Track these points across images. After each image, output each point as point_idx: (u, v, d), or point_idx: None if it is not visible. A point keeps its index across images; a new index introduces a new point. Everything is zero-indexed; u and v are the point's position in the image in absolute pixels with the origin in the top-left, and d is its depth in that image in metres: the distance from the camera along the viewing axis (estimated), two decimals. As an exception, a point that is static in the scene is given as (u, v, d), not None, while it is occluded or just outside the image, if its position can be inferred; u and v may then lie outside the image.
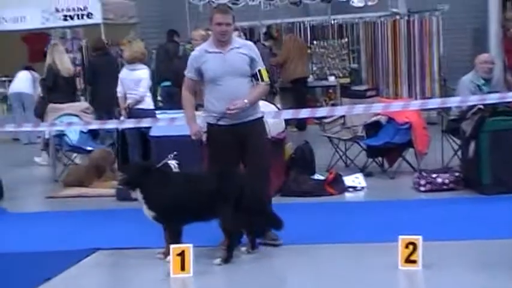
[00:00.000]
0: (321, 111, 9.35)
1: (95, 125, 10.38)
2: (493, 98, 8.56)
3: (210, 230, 6.27)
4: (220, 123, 6.39)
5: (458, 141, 9.39)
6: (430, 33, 14.52)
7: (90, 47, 14.24)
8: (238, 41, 6.61)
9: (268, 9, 15.99)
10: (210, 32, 11.03)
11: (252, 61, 6.46)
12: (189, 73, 6.55)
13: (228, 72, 6.37)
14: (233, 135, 6.37)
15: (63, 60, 11.81)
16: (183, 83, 6.64)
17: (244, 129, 6.40)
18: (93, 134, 11.11)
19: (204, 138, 6.56)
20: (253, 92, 6.45)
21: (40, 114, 11.85)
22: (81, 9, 15.13)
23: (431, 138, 9.74)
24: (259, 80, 6.48)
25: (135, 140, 9.89)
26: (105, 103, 11.27)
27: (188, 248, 5.89)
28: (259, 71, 6.48)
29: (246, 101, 6.33)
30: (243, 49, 6.46)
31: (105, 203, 9.01)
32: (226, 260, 6.11)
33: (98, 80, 11.90)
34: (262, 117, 6.65)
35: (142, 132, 9.73)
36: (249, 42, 6.79)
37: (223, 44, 6.41)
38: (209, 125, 6.52)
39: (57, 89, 11.66)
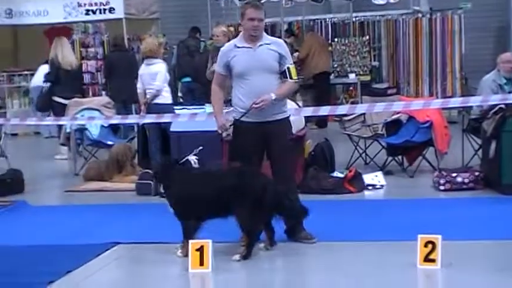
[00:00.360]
0: (341, 109, 9.32)
1: (116, 120, 10.43)
2: (515, 98, 8.53)
3: (229, 225, 6.27)
4: (245, 119, 6.41)
5: (479, 141, 9.34)
6: (452, 32, 14.46)
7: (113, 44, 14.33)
8: (268, 37, 6.61)
9: (289, 6, 15.98)
10: (231, 29, 11.16)
11: (281, 58, 6.46)
12: (218, 68, 6.60)
13: (256, 67, 6.38)
14: (258, 132, 6.38)
15: (65, 54, 11.89)
16: (214, 78, 6.69)
17: (269, 128, 6.40)
18: (114, 128, 11.19)
19: (230, 132, 6.52)
20: (281, 88, 6.44)
21: (40, 108, 11.97)
22: (103, 4, 15.22)
23: (452, 138, 9.70)
24: (288, 77, 6.48)
25: (155, 135, 9.94)
26: (121, 98, 11.40)
27: (207, 243, 5.91)
28: (288, 68, 6.47)
29: (273, 96, 6.34)
30: (272, 45, 6.46)
31: (125, 197, 9.06)
32: (245, 256, 6.12)
33: (114, 75, 12.05)
34: (288, 116, 6.65)
35: (162, 128, 9.77)
36: (279, 39, 6.79)
37: (253, 39, 6.42)
38: (235, 120, 6.55)
39: (59, 82, 11.77)
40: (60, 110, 11.44)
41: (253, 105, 6.31)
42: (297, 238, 6.58)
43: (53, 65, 11.83)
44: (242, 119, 6.44)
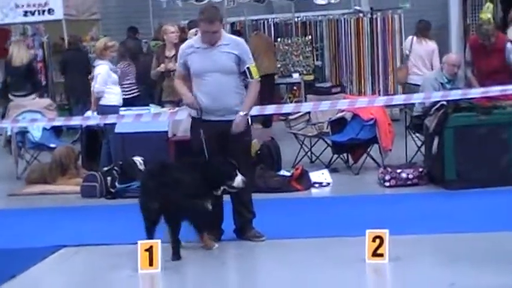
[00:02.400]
0: (287, 108, 9.38)
1: (59, 122, 10.26)
2: (456, 95, 8.69)
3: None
4: (204, 117, 6.40)
5: (422, 138, 9.49)
6: (392, 31, 14.65)
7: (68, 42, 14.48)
8: (227, 37, 6.61)
9: (232, 7, 15.97)
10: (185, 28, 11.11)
11: (240, 59, 6.45)
12: (178, 66, 6.69)
13: (212, 68, 6.39)
14: (217, 131, 6.37)
15: (16, 53, 11.92)
16: (176, 75, 6.78)
17: (229, 127, 6.38)
18: (57, 131, 11.02)
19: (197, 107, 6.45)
20: (247, 99, 6.51)
21: None
22: (41, 5, 14.94)
23: (395, 135, 9.83)
24: (249, 77, 6.50)
25: (106, 137, 9.82)
26: (75, 95, 11.46)
27: (156, 243, 5.88)
28: (248, 68, 6.48)
29: (242, 114, 6.39)
30: (230, 46, 6.46)
31: (69, 200, 8.94)
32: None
33: (69, 74, 12.21)
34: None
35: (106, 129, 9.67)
36: (239, 39, 6.77)
37: (210, 43, 6.46)
38: (193, 118, 6.54)
39: (11, 80, 11.73)
40: None
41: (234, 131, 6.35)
42: (247, 236, 6.58)
43: (5, 64, 12.06)
44: (202, 117, 6.41)
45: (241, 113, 6.41)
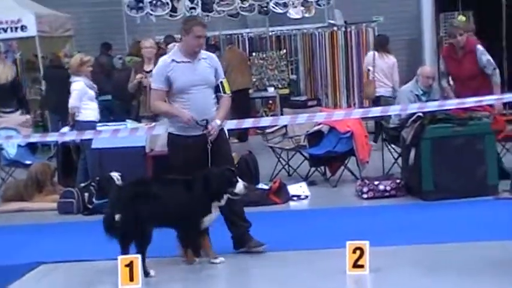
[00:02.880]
0: (265, 121, 9.37)
1: (34, 139, 10.19)
2: (432, 106, 8.76)
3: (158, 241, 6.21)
4: (183, 133, 6.37)
5: (399, 150, 9.55)
6: (366, 44, 14.76)
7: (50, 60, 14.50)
8: (202, 51, 6.57)
9: (206, 21, 15.98)
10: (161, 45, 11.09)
11: (216, 72, 6.48)
12: (158, 84, 6.45)
13: (197, 82, 6.37)
14: (199, 144, 6.32)
15: (2, 69, 12.00)
16: (152, 96, 6.52)
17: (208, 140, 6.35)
18: (32, 147, 10.95)
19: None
20: (220, 109, 6.49)
21: None
22: (14, 22, 14.82)
23: (372, 147, 9.89)
24: (221, 91, 6.50)
25: (82, 152, 9.76)
26: (58, 113, 11.43)
27: (136, 258, 5.84)
28: (221, 82, 6.51)
29: (218, 122, 6.39)
30: (208, 60, 6.47)
31: (46, 216, 8.89)
32: None
33: (51, 91, 12.21)
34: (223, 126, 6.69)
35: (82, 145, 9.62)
36: (210, 53, 6.75)
37: (194, 55, 6.39)
38: (173, 135, 6.48)
39: None
40: None
41: (209, 138, 6.31)
42: (248, 246, 6.56)
43: None
44: (180, 133, 6.38)
45: (218, 121, 6.40)
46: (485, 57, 9.33)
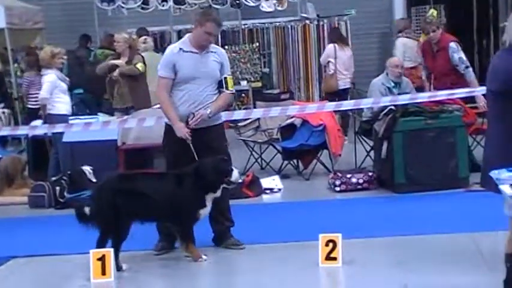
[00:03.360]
0: (238, 114, 9.38)
1: (5, 132, 10.09)
2: (404, 99, 8.82)
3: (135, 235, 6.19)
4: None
5: (371, 142, 9.59)
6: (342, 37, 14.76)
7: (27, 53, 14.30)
8: (212, 45, 6.50)
9: (178, 14, 15.94)
10: (134, 36, 11.05)
11: (222, 67, 6.42)
12: (165, 72, 6.35)
13: (202, 73, 6.30)
14: (194, 138, 6.23)
15: None
16: (159, 85, 6.42)
17: (206, 134, 6.31)
18: (2, 141, 10.84)
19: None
20: (217, 101, 6.38)
21: None
22: (-18, 14, 14.64)
23: (344, 140, 9.92)
24: (224, 87, 6.42)
25: (54, 146, 9.67)
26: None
27: (109, 252, 5.82)
28: (225, 78, 6.42)
29: (209, 111, 6.28)
30: (217, 54, 6.42)
31: (17, 211, 8.80)
32: None
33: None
34: (223, 122, 6.68)
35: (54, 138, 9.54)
36: (221, 49, 6.70)
37: (200, 47, 6.33)
38: (169, 126, 6.39)
39: None
40: None
41: (190, 121, 6.21)
42: (226, 245, 6.54)
43: None
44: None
45: (208, 110, 6.29)
46: (457, 55, 9.39)
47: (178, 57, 6.31)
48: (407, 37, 13.08)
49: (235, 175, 6.16)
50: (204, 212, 6.18)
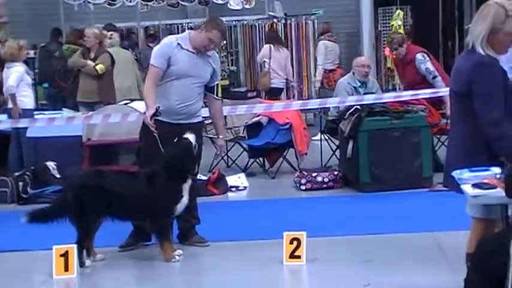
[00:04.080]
0: (204, 112, 9.33)
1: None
2: (369, 99, 8.89)
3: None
4: (161, 119, 6.20)
5: (337, 142, 9.64)
6: (306, 37, 14.84)
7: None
8: None
9: (145, 11, 15.87)
10: (104, 32, 11.02)
11: (214, 73, 6.44)
12: (158, 62, 6.27)
13: (194, 73, 6.29)
14: (173, 133, 6.15)
15: None
16: (149, 74, 6.35)
17: (184, 130, 6.21)
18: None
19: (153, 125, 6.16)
20: (219, 123, 6.76)
21: None
22: None
23: (310, 139, 9.95)
24: (215, 94, 6.51)
25: (15, 140, 9.54)
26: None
27: (72, 248, 5.78)
28: (217, 85, 6.49)
29: (221, 137, 6.71)
30: (211, 59, 6.42)
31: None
32: None
33: None
34: (203, 120, 6.74)
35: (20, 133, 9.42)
36: (216, 55, 6.66)
37: (198, 50, 6.32)
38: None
39: None
40: None
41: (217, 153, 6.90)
42: (190, 242, 6.53)
43: None
44: (158, 118, 6.18)
45: (221, 137, 6.68)
46: (424, 66, 9.43)
47: (176, 52, 6.28)
48: (328, 40, 13.83)
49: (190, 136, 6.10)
50: (181, 206, 6.12)
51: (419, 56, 9.50)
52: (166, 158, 6.05)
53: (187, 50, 6.32)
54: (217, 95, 6.60)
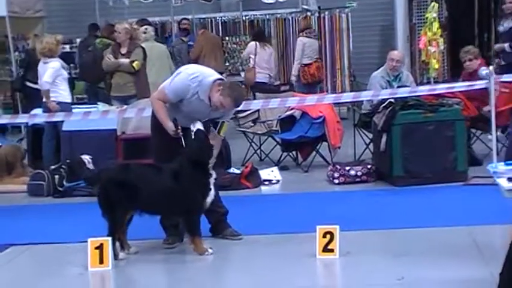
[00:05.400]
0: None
1: (5, 120, 10.09)
2: (403, 92, 8.83)
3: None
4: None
5: (370, 135, 9.60)
6: (340, 30, 14.79)
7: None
8: None
9: (179, 5, 15.93)
10: (135, 26, 11.09)
11: (223, 117, 6.40)
12: (170, 96, 6.26)
13: (201, 117, 6.25)
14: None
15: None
16: (158, 95, 6.38)
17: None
18: (1, 129, 10.85)
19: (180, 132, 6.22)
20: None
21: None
22: (-16, 2, 14.62)
23: (344, 133, 9.92)
24: (216, 130, 6.39)
25: (50, 134, 9.66)
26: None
27: (107, 241, 5.83)
28: (222, 122, 6.39)
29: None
30: (225, 113, 6.35)
31: (16, 199, 8.82)
32: None
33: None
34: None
35: (56, 126, 9.53)
36: (232, 111, 6.59)
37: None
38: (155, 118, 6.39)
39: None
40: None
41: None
42: (223, 235, 6.55)
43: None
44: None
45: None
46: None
47: (191, 97, 6.21)
48: (307, 36, 14.00)
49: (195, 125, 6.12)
50: (210, 199, 6.14)
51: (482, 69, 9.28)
52: (190, 153, 6.07)
53: (202, 101, 6.24)
54: (219, 132, 6.42)
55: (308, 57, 13.79)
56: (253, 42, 13.53)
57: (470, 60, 9.55)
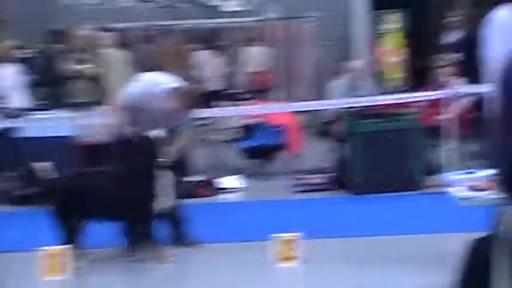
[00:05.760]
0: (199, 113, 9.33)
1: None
2: (363, 101, 8.88)
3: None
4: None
5: (331, 144, 9.62)
6: (299, 39, 14.83)
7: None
8: None
9: (140, 11, 15.84)
10: (95, 32, 11.03)
11: (182, 123, 6.47)
12: (130, 102, 6.34)
13: (161, 123, 6.22)
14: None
15: None
16: (118, 103, 6.48)
17: None
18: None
19: None
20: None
21: None
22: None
23: (305, 141, 9.94)
24: (178, 138, 6.43)
25: (5, 140, 9.50)
26: None
27: (62, 250, 5.76)
28: (183, 130, 6.48)
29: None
30: None
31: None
32: None
33: None
34: None
35: (13, 133, 9.38)
36: None
37: None
38: None
39: None
40: None
41: None
42: (184, 243, 6.52)
43: None
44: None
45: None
46: None
47: (149, 103, 6.24)
48: (254, 46, 14.35)
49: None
50: (161, 206, 6.07)
51: None
52: (135, 158, 6.05)
53: (161, 107, 6.27)
54: (179, 139, 6.48)
55: (255, 66, 13.95)
56: (205, 51, 14.00)
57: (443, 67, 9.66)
